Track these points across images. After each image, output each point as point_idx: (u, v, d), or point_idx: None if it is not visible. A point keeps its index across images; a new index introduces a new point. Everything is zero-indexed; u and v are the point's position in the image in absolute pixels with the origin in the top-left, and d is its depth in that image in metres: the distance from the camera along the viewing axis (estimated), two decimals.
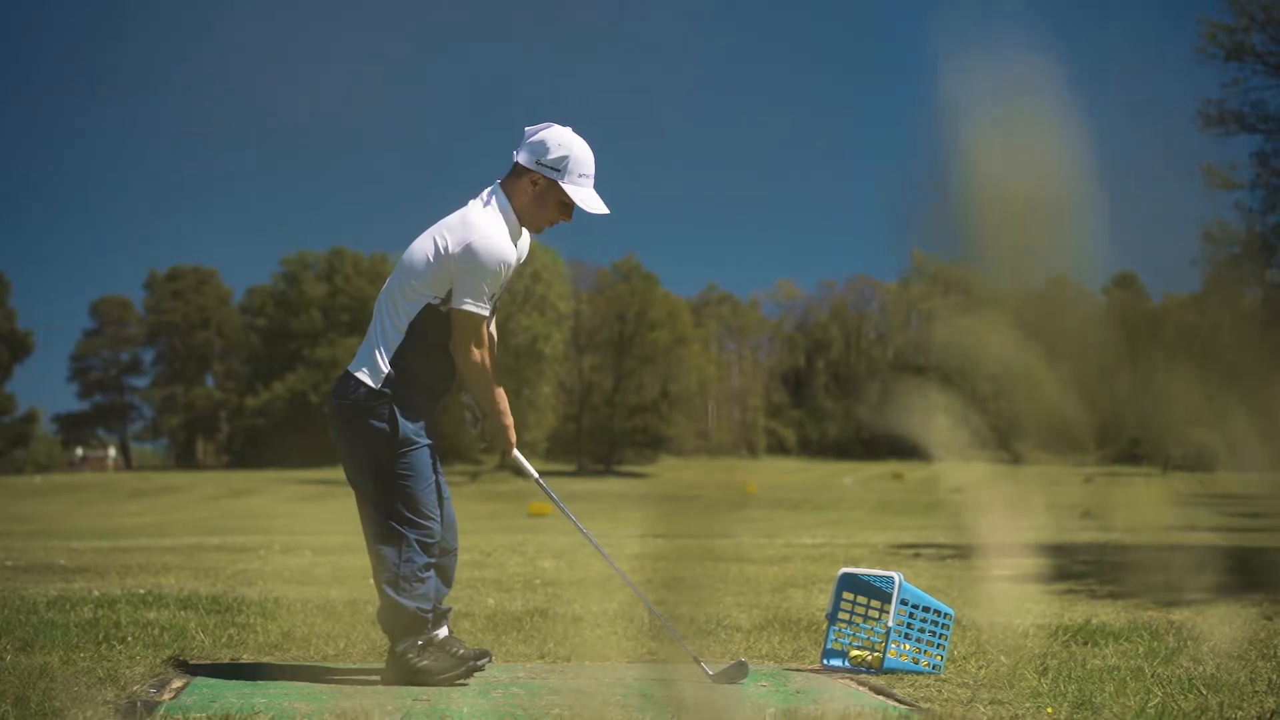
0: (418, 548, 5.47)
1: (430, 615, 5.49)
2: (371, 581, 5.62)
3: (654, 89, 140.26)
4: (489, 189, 5.59)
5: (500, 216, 5.48)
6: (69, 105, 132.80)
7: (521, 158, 5.55)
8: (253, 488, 71.61)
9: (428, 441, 5.52)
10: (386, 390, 5.47)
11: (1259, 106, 34.65)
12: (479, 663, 5.57)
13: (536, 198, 5.55)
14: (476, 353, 5.46)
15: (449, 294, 5.42)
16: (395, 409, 5.46)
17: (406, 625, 5.44)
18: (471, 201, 5.54)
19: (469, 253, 5.36)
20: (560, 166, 5.51)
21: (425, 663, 5.40)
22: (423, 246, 5.48)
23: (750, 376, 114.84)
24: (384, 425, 5.46)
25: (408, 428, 5.46)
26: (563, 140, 5.53)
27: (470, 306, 5.38)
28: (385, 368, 5.48)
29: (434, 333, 5.49)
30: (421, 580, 5.46)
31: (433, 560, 5.52)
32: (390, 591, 5.44)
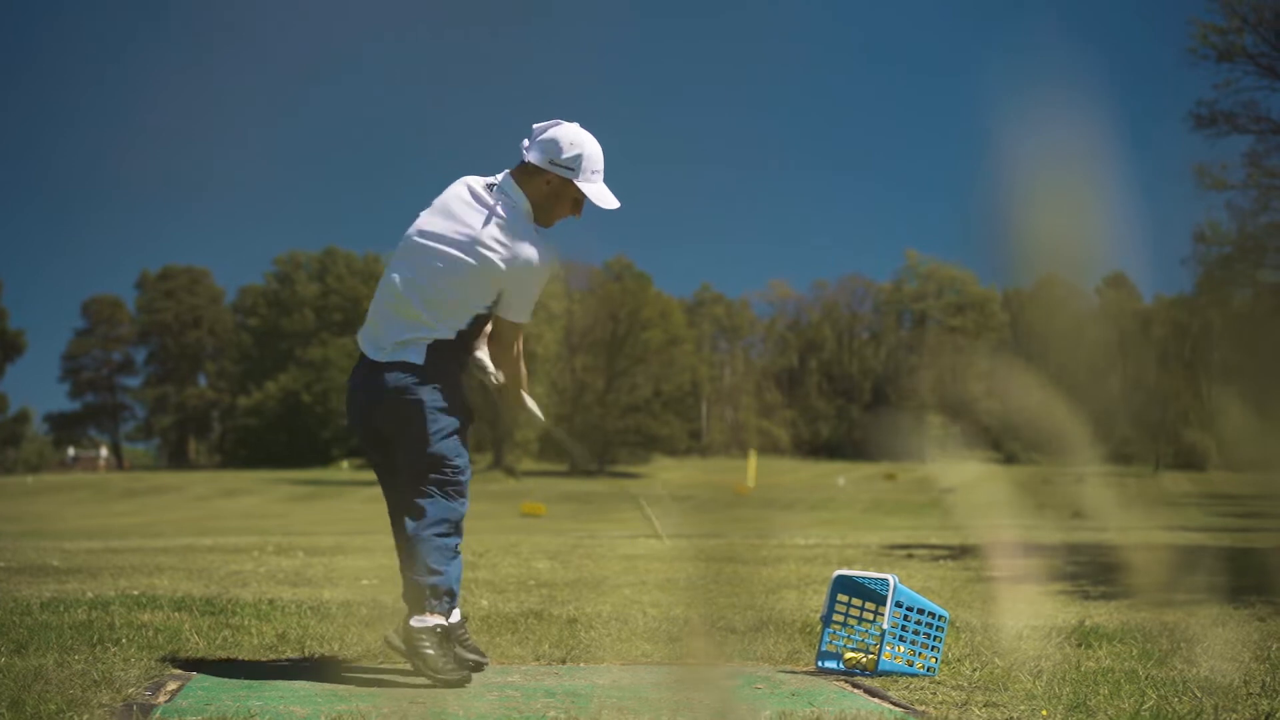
0: None
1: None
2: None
3: (647, 88, 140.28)
4: (501, 182, 5.63)
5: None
6: (61, 104, 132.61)
7: (533, 157, 5.58)
8: (245, 488, 71.58)
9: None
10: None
11: (1250, 107, 34.76)
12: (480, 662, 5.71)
13: (550, 196, 5.60)
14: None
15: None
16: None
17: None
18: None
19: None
20: (574, 165, 5.55)
21: (431, 651, 5.42)
22: None
23: (743, 376, 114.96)
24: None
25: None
26: (575, 139, 5.57)
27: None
28: None
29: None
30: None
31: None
32: None
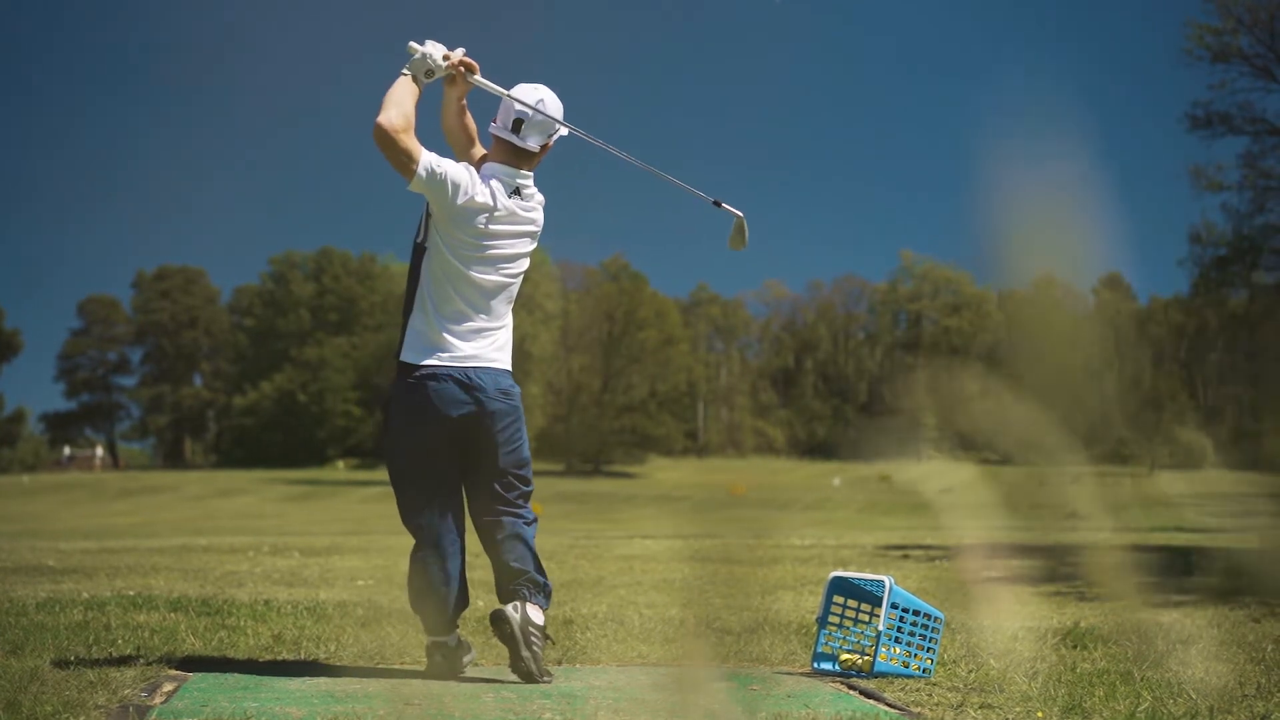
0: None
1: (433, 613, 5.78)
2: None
3: (641, 88, 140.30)
4: (523, 185, 5.76)
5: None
6: (56, 105, 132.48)
7: (533, 143, 5.75)
8: (240, 487, 71.53)
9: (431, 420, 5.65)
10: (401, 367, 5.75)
11: (1245, 108, 34.77)
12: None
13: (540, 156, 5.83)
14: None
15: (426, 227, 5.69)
16: (393, 388, 5.77)
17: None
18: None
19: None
20: (560, 122, 5.77)
21: (540, 648, 5.63)
22: None
23: (738, 377, 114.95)
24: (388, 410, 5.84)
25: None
26: (555, 107, 5.76)
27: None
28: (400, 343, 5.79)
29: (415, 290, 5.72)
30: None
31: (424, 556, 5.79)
32: None
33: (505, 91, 5.76)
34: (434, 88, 5.86)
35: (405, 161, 5.48)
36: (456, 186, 5.53)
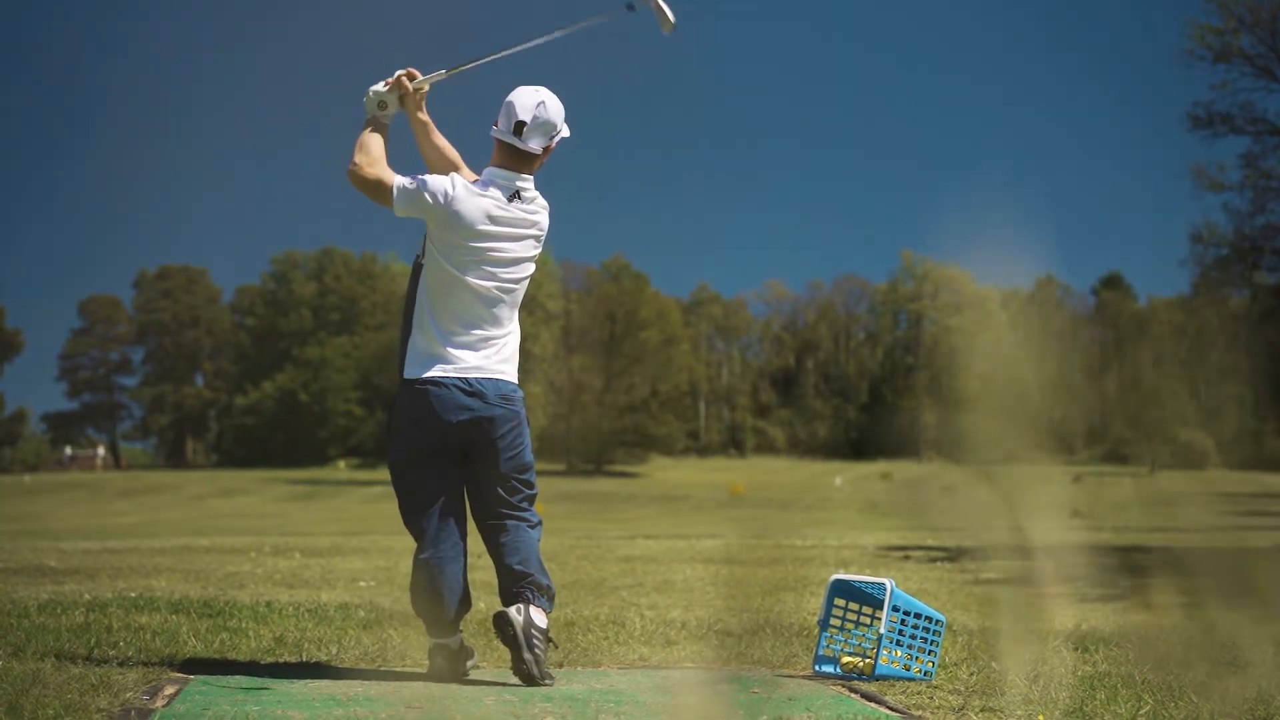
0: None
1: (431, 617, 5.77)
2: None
3: (641, 89, 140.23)
4: (523, 189, 5.74)
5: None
6: (58, 105, 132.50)
7: (536, 144, 5.71)
8: (242, 487, 71.58)
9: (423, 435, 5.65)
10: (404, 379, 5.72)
11: (1247, 108, 34.75)
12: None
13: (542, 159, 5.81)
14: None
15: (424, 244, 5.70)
16: (397, 397, 5.77)
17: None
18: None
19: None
20: (562, 125, 5.77)
21: (542, 652, 5.64)
22: None
23: (739, 376, 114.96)
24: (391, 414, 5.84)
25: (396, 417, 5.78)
26: (554, 108, 5.73)
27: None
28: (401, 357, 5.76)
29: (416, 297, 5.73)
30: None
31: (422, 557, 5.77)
32: None
33: (452, 69, 5.89)
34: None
35: (381, 190, 5.63)
36: (435, 194, 5.58)
